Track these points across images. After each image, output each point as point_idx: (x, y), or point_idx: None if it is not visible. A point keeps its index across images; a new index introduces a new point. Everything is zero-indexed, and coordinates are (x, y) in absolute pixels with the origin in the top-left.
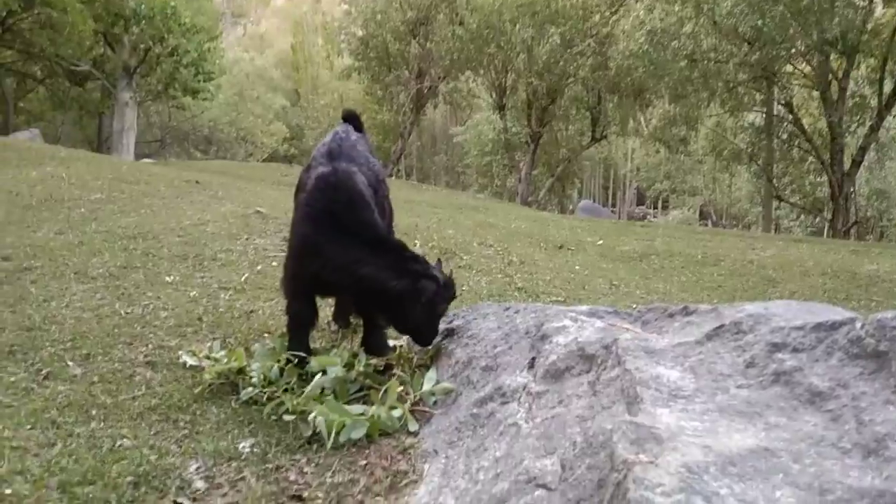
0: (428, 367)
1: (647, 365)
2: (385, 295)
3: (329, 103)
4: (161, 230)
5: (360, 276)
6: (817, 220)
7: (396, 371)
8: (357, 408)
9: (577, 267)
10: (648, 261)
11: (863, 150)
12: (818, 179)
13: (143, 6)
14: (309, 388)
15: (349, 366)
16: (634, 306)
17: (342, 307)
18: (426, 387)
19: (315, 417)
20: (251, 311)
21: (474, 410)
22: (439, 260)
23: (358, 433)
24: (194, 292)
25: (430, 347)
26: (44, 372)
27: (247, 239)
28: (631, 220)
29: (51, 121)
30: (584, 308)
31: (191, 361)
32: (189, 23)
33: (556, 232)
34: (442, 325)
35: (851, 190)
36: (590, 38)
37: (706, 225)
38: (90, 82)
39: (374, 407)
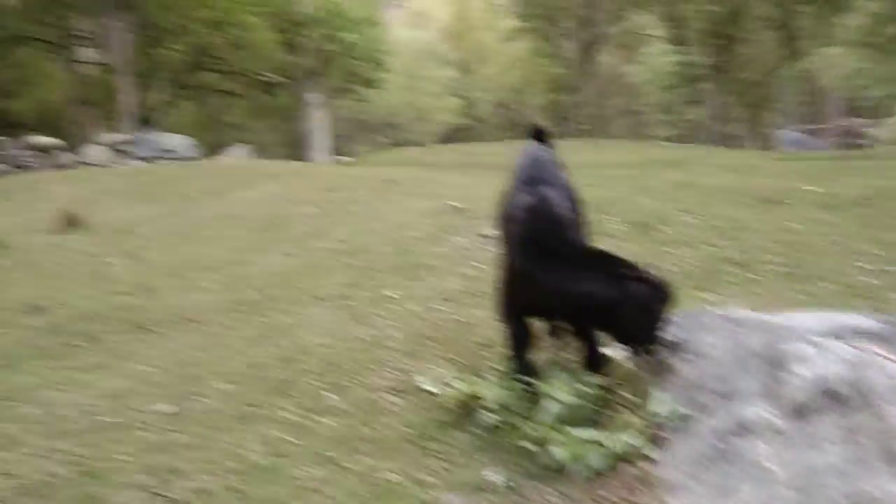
0: (656, 386)
1: None
2: (600, 308)
3: (498, 70)
4: (373, 241)
5: (575, 295)
6: None
7: (624, 392)
8: (593, 433)
9: (794, 225)
10: (879, 205)
11: None
12: None
13: (313, 9)
14: (542, 415)
15: (576, 388)
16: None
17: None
18: (659, 409)
19: (555, 448)
20: (470, 324)
21: (716, 443)
22: (649, 266)
23: (599, 462)
24: (415, 307)
25: (654, 362)
26: (308, 405)
27: (448, 240)
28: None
29: (253, 130)
30: (822, 328)
31: (429, 387)
32: (355, 16)
33: (763, 181)
34: (663, 334)
35: None
36: None
37: None
38: (281, 90)
39: (610, 433)
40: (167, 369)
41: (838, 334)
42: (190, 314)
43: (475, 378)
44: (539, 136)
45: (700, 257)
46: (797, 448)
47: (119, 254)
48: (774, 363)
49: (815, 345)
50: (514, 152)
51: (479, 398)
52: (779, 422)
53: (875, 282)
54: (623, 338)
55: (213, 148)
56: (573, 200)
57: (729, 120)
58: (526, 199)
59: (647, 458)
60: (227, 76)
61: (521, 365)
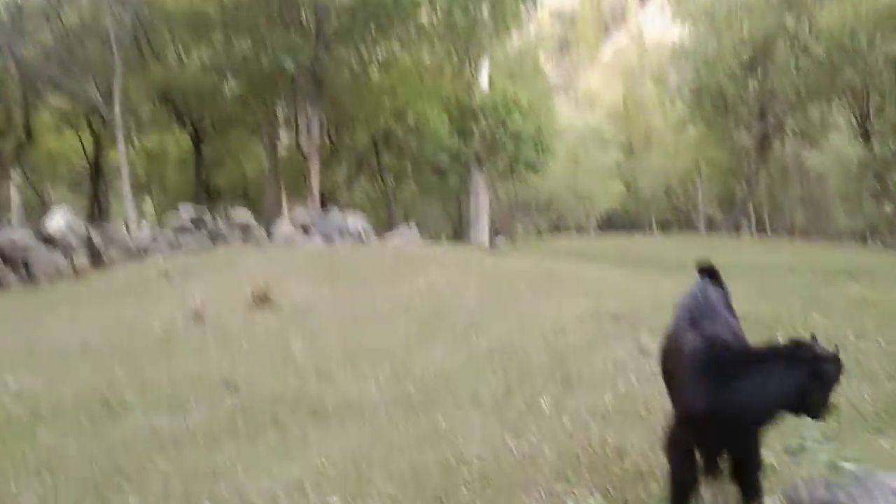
0: None
1: None
2: (787, 398)
3: (665, 155)
4: (530, 343)
5: (767, 399)
6: None
7: None
8: None
9: None
10: None
11: None
12: None
13: (487, 99)
14: None
15: None
16: None
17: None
18: None
19: None
20: (622, 449)
21: None
22: (813, 336)
23: None
24: (567, 422)
25: None
26: None
27: (604, 348)
28: None
29: (420, 207)
30: None
31: None
32: (526, 105)
33: None
34: (821, 493)
35: None
36: None
37: None
38: (449, 172)
39: None
40: (339, 463)
41: None
42: (360, 405)
43: None
44: (708, 273)
45: (877, 394)
46: None
47: (300, 334)
48: None
49: None
50: (677, 248)
51: None
52: None
53: None
54: (802, 412)
55: (384, 225)
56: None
57: None
58: (696, 346)
59: None
60: (403, 158)
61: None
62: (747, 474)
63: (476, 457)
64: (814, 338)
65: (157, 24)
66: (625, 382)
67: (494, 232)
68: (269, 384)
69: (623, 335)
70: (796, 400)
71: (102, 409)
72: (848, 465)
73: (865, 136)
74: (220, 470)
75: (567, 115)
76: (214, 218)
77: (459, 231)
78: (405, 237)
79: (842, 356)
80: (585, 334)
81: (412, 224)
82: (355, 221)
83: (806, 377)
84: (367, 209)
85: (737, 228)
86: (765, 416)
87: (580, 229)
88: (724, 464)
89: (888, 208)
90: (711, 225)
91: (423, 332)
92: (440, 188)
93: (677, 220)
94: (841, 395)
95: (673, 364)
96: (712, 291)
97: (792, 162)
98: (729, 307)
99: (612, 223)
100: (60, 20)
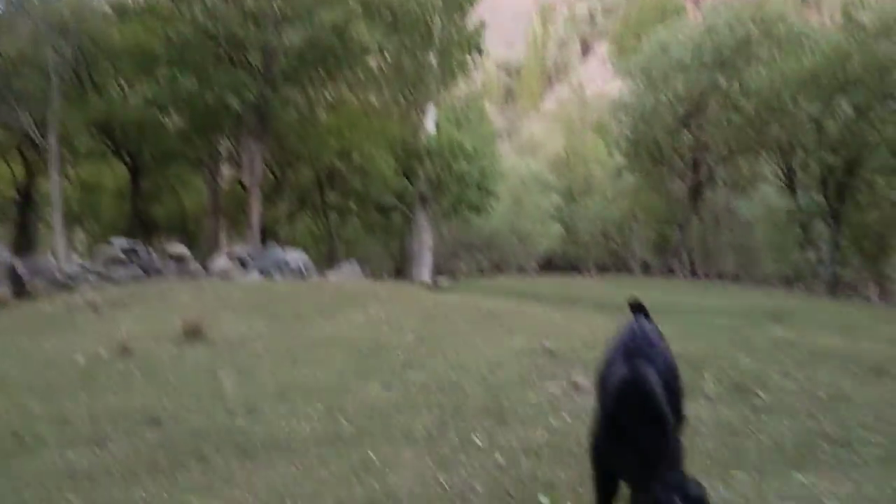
0: None
1: None
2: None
3: (603, 201)
4: (466, 379)
5: (627, 475)
6: None
7: None
8: None
9: None
10: None
11: None
12: None
13: (433, 142)
14: None
15: None
16: None
17: None
18: None
19: None
20: (552, 484)
21: None
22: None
23: None
24: (500, 457)
25: None
26: None
27: (539, 386)
28: None
29: (363, 244)
30: None
31: None
32: (471, 150)
33: (871, 346)
34: None
35: None
36: (891, 100)
37: None
38: (394, 211)
39: None
40: (264, 498)
41: None
42: (289, 443)
43: None
44: (640, 309)
45: (797, 430)
46: None
47: (232, 369)
48: None
49: None
50: (615, 288)
51: None
52: None
53: None
54: None
55: (326, 260)
56: (669, 377)
57: (844, 264)
58: (623, 374)
59: None
60: (347, 196)
61: None
62: None
63: (406, 492)
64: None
65: (100, 58)
66: (557, 418)
67: (437, 270)
68: (195, 419)
69: (557, 372)
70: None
71: (14, 445)
72: None
73: (791, 187)
74: None
75: (510, 161)
76: (149, 250)
77: (402, 269)
78: (346, 273)
79: (763, 395)
80: (521, 371)
81: (354, 261)
82: (296, 256)
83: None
84: (308, 245)
85: (670, 272)
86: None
87: (521, 269)
88: None
89: (811, 255)
90: (646, 269)
91: (359, 367)
92: (384, 226)
93: (614, 263)
94: (763, 432)
95: (602, 389)
96: (647, 325)
97: (723, 210)
98: (662, 338)
99: (552, 264)
100: None
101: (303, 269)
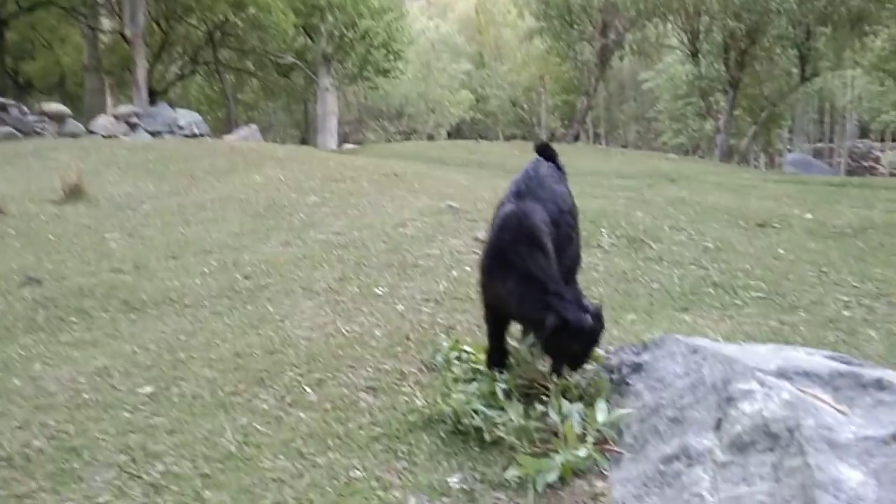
0: (614, 405)
1: (828, 462)
2: (531, 326)
3: (513, 67)
4: (369, 236)
5: (515, 307)
6: None
7: (583, 407)
8: (550, 447)
9: (780, 250)
10: (865, 237)
11: None
12: None
13: None
14: (504, 423)
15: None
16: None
17: None
18: (600, 418)
19: (515, 458)
20: (451, 327)
21: (661, 467)
22: (600, 304)
23: (553, 476)
24: (401, 306)
25: (618, 382)
26: (287, 399)
27: (442, 240)
28: (852, 160)
29: (263, 109)
30: (772, 367)
31: (403, 389)
32: (377, 5)
33: (759, 204)
34: (631, 356)
35: None
36: None
37: None
38: (295, 72)
39: (566, 447)
40: (153, 351)
41: (788, 375)
42: (181, 297)
43: (449, 381)
44: (544, 152)
45: (685, 277)
46: (732, 480)
47: (118, 229)
48: (725, 397)
49: (762, 383)
50: (520, 153)
51: (448, 402)
52: (721, 454)
53: (847, 314)
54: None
55: (222, 125)
56: (560, 219)
57: (739, 135)
58: (509, 209)
59: (601, 474)
60: (244, 55)
61: (497, 358)
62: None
63: (304, 339)
64: (600, 307)
65: None
66: (459, 270)
67: (343, 139)
68: (78, 278)
69: (460, 229)
70: (548, 341)
71: None
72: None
73: (695, 55)
74: (12, 362)
75: (419, 24)
76: (22, 109)
77: (307, 137)
78: (245, 138)
79: (655, 246)
80: (425, 228)
81: (254, 126)
82: (188, 118)
83: (538, 319)
84: (203, 109)
85: (576, 140)
86: (525, 322)
87: (431, 139)
88: None
89: (710, 125)
90: (553, 137)
91: (257, 227)
92: (286, 89)
93: (522, 132)
94: (655, 280)
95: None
96: (545, 168)
97: (629, 80)
98: (562, 182)
99: (461, 133)
100: None
101: (196, 132)
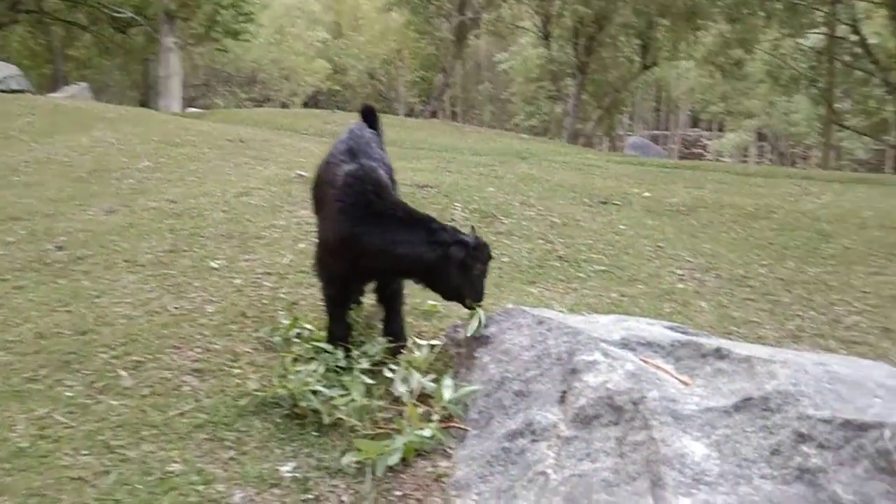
0: (457, 379)
1: (673, 435)
2: (422, 268)
3: (371, 39)
4: (206, 204)
5: (396, 255)
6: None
7: (427, 383)
8: (393, 426)
9: (621, 226)
10: (697, 215)
11: None
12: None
13: None
14: (344, 405)
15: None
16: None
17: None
18: (447, 395)
19: (354, 441)
20: (294, 303)
21: (506, 444)
22: (472, 227)
23: (394, 458)
24: (239, 280)
25: (463, 355)
26: (98, 385)
27: (289, 211)
28: (685, 147)
29: (98, 68)
30: (616, 337)
31: (233, 369)
32: None
33: (602, 183)
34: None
35: None
36: None
37: (762, 147)
38: (133, 28)
39: (409, 427)
40: None
41: (630, 344)
42: None
43: (287, 361)
44: (368, 115)
45: (533, 251)
46: (576, 456)
47: None
48: (570, 369)
49: (606, 354)
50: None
51: (284, 384)
52: (565, 429)
53: (681, 286)
54: (447, 295)
55: (48, 82)
56: (390, 177)
57: (585, 119)
58: (351, 167)
59: (445, 454)
60: (74, 5)
61: (337, 324)
62: (389, 314)
63: (123, 317)
64: (473, 229)
65: None
66: (308, 242)
67: (188, 103)
68: None
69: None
70: (432, 275)
71: None
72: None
73: (547, 38)
74: None
75: None
76: None
77: (147, 100)
78: (72, 95)
79: (506, 221)
80: (270, 198)
81: (85, 85)
82: (5, 72)
83: (437, 256)
84: (26, 65)
85: (433, 116)
86: (393, 269)
87: (285, 108)
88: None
89: (559, 109)
90: (411, 113)
91: (78, 193)
92: (123, 47)
93: (381, 106)
94: (504, 254)
95: (324, 191)
96: (367, 132)
97: (485, 61)
98: (382, 148)
99: (319, 105)
100: None
101: (14, 87)
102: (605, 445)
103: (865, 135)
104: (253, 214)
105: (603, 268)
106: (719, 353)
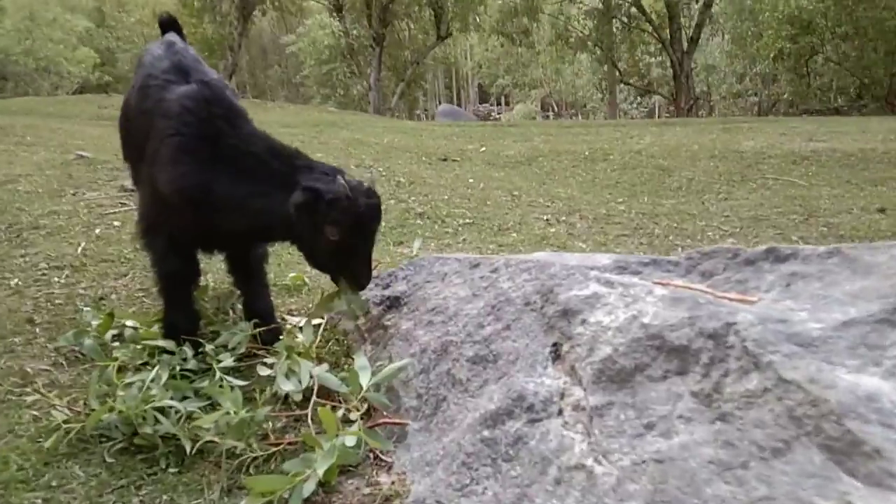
0: (372, 361)
1: (821, 371)
2: (277, 223)
3: (141, 20)
4: None
5: (256, 209)
6: (653, 100)
7: (335, 374)
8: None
9: (469, 180)
10: (538, 164)
11: (699, 27)
12: (657, 59)
13: None
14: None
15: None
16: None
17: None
18: (365, 381)
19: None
20: (101, 298)
21: (485, 434)
22: (371, 173)
23: (310, 489)
24: (16, 280)
25: (374, 325)
26: None
27: (74, 195)
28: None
29: None
30: (605, 261)
31: (22, 390)
32: None
33: (434, 142)
34: (378, 291)
35: (692, 67)
36: None
37: (548, 117)
38: None
39: (323, 439)
40: None
41: (630, 267)
42: None
43: (108, 374)
44: (172, 27)
45: (390, 211)
46: (627, 433)
47: None
48: (558, 312)
49: (608, 283)
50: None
51: (112, 406)
52: (588, 395)
53: (553, 230)
54: (315, 266)
55: None
56: None
57: (386, 95)
58: (187, 88)
59: (381, 463)
60: None
61: (179, 309)
62: (253, 289)
63: None
64: (372, 176)
65: None
66: (105, 226)
67: None
68: None
69: (100, 179)
70: (288, 235)
71: None
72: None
73: (339, 11)
74: None
75: None
76: None
77: None
78: None
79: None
80: (48, 183)
81: None
82: None
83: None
84: None
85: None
86: (254, 227)
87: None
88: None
89: (359, 89)
90: None
91: None
92: None
93: None
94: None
95: (145, 126)
96: (181, 44)
97: (271, 45)
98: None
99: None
100: None
101: None
102: (680, 408)
103: (648, 90)
104: (25, 202)
105: (468, 221)
106: (777, 256)
